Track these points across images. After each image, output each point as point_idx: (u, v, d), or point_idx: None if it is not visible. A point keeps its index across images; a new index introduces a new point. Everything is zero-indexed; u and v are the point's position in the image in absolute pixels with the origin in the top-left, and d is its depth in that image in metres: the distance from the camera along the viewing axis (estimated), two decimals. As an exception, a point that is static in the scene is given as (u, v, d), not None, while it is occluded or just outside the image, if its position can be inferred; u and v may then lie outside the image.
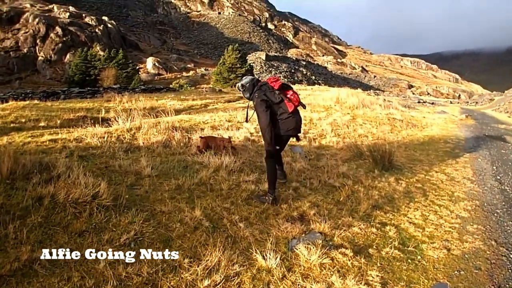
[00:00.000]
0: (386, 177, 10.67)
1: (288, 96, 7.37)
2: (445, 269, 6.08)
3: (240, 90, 7.91)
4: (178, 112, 21.43)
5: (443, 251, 6.63)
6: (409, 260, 6.16)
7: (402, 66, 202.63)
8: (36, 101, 25.22)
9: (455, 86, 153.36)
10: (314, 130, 16.22)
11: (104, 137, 10.93)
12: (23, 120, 17.50)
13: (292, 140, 8.90)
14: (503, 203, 9.57)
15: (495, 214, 8.74)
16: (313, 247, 5.73)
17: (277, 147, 7.73)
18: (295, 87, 44.19)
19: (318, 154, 12.42)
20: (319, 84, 77.53)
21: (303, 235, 6.41)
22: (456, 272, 6.04)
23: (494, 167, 13.22)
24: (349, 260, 5.79)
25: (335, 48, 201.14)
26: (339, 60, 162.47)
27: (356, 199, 8.64)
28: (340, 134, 16.03)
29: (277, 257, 5.36)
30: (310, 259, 5.54)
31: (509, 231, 7.85)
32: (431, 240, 7.07)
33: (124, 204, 6.42)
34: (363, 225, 7.21)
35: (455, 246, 6.91)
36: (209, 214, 6.70)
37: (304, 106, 8.26)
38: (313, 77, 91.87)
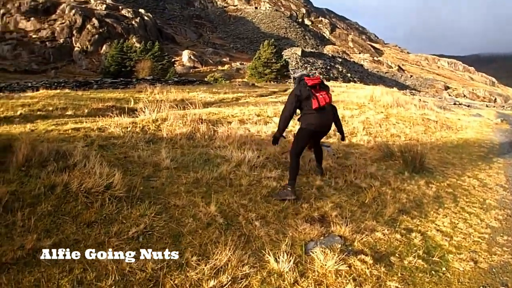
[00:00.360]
0: (416, 179, 10.23)
1: (317, 95, 7.61)
2: (470, 283, 5.66)
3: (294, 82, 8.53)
4: (208, 104, 21.24)
5: (469, 263, 6.19)
6: (432, 272, 5.74)
7: (439, 67, 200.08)
8: (67, 90, 25.46)
9: (491, 89, 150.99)
10: (345, 127, 15.46)
11: (128, 127, 10.72)
12: (50, 109, 17.51)
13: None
14: None
15: (528, 225, 8.25)
16: (331, 252, 5.37)
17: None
18: (330, 83, 43.58)
19: (346, 152, 12.03)
20: (355, 82, 76.91)
21: (322, 237, 6.04)
22: (481, 287, 5.64)
23: None
24: (368, 268, 5.40)
25: (371, 46, 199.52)
26: (375, 58, 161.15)
27: (382, 201, 8.24)
28: (371, 133, 15.65)
29: (290, 260, 5.02)
30: (325, 265, 5.17)
31: None
32: (458, 250, 6.63)
33: (138, 195, 6.19)
34: (387, 230, 6.81)
35: (483, 258, 6.46)
36: (225, 211, 6.39)
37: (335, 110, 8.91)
38: (349, 75, 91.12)
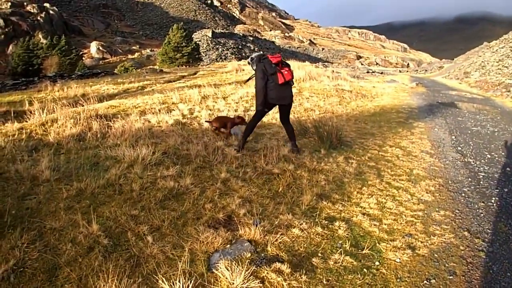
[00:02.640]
0: (334, 156, 9.32)
1: (282, 71, 8.49)
2: (411, 278, 4.72)
3: (249, 63, 9.26)
4: (111, 97, 19.88)
5: (406, 251, 5.28)
6: (364, 270, 4.77)
7: (350, 38, 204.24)
8: None
9: (403, 56, 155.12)
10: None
11: (14, 135, 9.57)
12: None
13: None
14: (469, 179, 8.45)
15: (463, 194, 7.56)
16: (238, 265, 4.31)
17: (265, 110, 9.04)
18: (242, 62, 42.88)
19: (257, 134, 10.96)
20: None
21: (228, 246, 5.01)
22: (425, 282, 4.67)
23: (453, 137, 12.25)
24: (286, 279, 4.37)
25: (282, 22, 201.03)
26: (286, 34, 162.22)
27: (298, 188, 7.29)
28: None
29: (188, 285, 4.02)
30: (233, 284, 4.12)
31: (482, 215, 6.69)
32: (391, 236, 5.75)
33: (9, 222, 5.24)
34: (306, 223, 5.83)
35: (421, 242, 5.59)
36: (110, 228, 5.40)
37: (292, 83, 9.06)
38: (261, 52, 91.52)
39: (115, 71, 54.11)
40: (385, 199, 7.07)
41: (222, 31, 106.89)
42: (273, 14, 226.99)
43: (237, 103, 15.07)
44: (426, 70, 70.46)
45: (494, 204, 7.11)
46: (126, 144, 8.67)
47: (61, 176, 7.04)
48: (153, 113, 12.57)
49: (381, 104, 18.63)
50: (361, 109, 16.86)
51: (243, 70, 29.67)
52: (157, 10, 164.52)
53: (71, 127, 10.00)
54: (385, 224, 6.05)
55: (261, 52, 9.60)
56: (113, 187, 6.62)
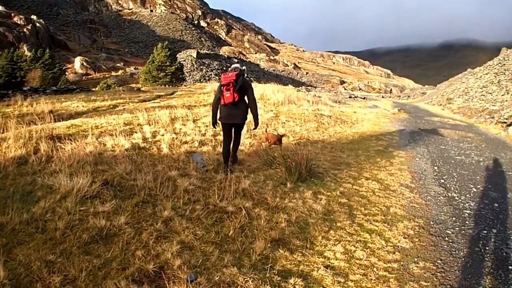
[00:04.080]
0: (301, 191, 8.25)
1: (224, 93, 8.68)
2: None
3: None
4: (79, 114, 18.79)
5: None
6: None
7: (334, 63, 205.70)
8: None
9: (386, 81, 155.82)
10: None
11: None
12: None
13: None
14: (453, 218, 7.46)
15: (446, 238, 6.53)
16: None
17: (223, 127, 9.29)
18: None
19: (221, 162, 9.79)
20: (251, 81, 76.38)
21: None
22: None
23: (436, 168, 11.35)
24: None
25: (268, 45, 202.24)
26: (271, 57, 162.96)
27: (252, 231, 6.21)
28: (256, 135, 13.53)
29: None
30: None
31: (468, 265, 5.64)
32: (358, 299, 4.62)
33: None
34: (253, 280, 4.70)
35: (395, 309, 4.48)
36: (20, 275, 4.44)
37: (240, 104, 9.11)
38: (245, 75, 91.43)
39: (95, 89, 53.88)
40: (354, 246, 6.00)
41: (207, 52, 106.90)
42: (259, 37, 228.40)
43: (207, 126, 13.98)
44: (408, 96, 70.65)
45: (482, 250, 6.10)
46: (66, 172, 7.62)
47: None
48: (112, 135, 11.41)
49: (360, 131, 17.67)
50: (339, 136, 15.89)
51: (222, 92, 28.09)
52: (144, 28, 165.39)
53: (16, 149, 9.04)
54: (351, 281, 4.98)
55: (238, 65, 9.37)
56: (36, 223, 5.64)
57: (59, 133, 11.03)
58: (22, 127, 10.61)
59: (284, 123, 16.51)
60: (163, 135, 11.97)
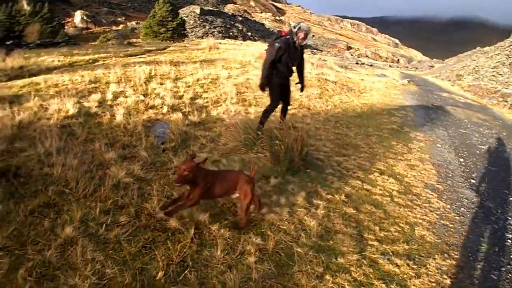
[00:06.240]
0: (290, 190, 5.72)
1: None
2: None
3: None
4: (50, 70, 15.95)
5: None
6: None
7: (341, 28, 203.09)
8: None
9: (394, 51, 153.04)
10: (212, 93, 11.19)
11: None
12: None
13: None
14: (496, 248, 5.28)
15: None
16: None
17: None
18: (224, 41, 39.89)
19: (189, 137, 7.41)
20: (255, 41, 74.50)
21: None
22: None
23: (461, 160, 9.14)
24: None
25: (274, 5, 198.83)
26: (277, 18, 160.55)
27: (198, 271, 3.86)
28: (246, 100, 11.05)
29: None
30: None
31: None
32: None
33: None
34: None
35: None
36: None
37: None
38: (249, 33, 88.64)
39: (95, 43, 52.04)
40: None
41: (211, 8, 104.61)
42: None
43: (188, 86, 11.45)
44: (416, 68, 68.15)
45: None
46: None
47: None
48: (64, 96, 8.98)
49: (370, 102, 14.92)
50: (345, 106, 13.11)
51: (218, 48, 25.48)
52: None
53: None
54: None
55: (305, 25, 8.28)
56: None
57: (4, 95, 9.26)
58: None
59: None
60: (127, 97, 9.62)
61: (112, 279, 3.52)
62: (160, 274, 3.67)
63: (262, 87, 7.84)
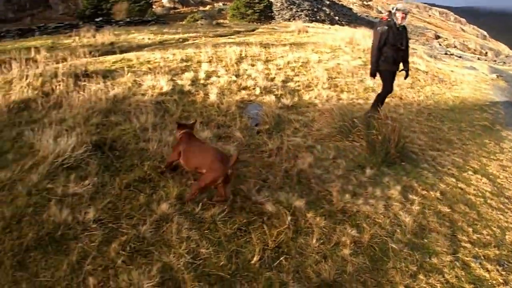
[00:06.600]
0: (386, 183, 5.59)
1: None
2: None
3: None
4: (140, 48, 16.24)
5: None
6: None
7: (429, 16, 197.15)
8: None
9: (482, 43, 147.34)
10: (303, 77, 11.00)
11: None
12: None
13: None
14: None
15: None
16: None
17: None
18: (312, 25, 39.21)
19: (282, 121, 7.36)
20: (342, 25, 73.49)
21: None
22: None
23: None
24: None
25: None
26: (365, 2, 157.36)
27: (293, 259, 3.84)
28: (338, 85, 10.78)
29: None
30: None
31: None
32: None
33: None
34: None
35: None
36: None
37: None
38: (337, 18, 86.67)
39: (182, 22, 52.33)
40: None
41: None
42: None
43: (279, 69, 11.28)
44: (504, 63, 64.85)
45: None
46: (67, 123, 5.91)
47: None
48: (157, 73, 9.11)
49: (461, 96, 14.26)
50: (437, 98, 12.70)
51: (307, 31, 25.21)
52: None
53: (23, 90, 7.20)
54: None
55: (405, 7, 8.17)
56: None
57: (98, 69, 9.07)
58: (58, 61, 9.02)
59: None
60: (220, 76, 9.53)
61: (207, 259, 3.55)
62: (256, 258, 3.69)
63: (372, 74, 8.01)
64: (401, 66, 8.16)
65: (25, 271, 3.24)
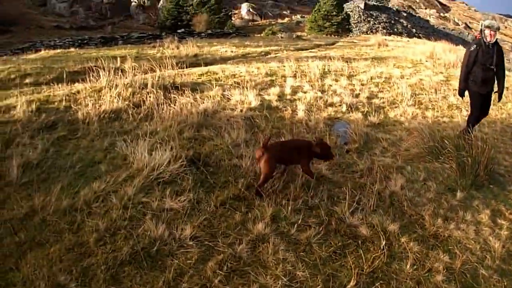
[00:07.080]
0: (475, 207, 5.49)
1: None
2: None
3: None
4: (224, 60, 16.91)
5: None
6: None
7: (506, 27, 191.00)
8: (72, 50, 21.08)
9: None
10: (387, 93, 10.85)
11: (54, 102, 7.46)
12: (13, 76, 12.36)
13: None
14: None
15: None
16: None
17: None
18: (390, 38, 38.59)
19: (370, 139, 7.31)
20: (420, 38, 72.12)
21: None
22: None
23: None
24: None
25: (438, 1, 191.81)
26: (442, 14, 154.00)
27: (387, 284, 3.92)
28: (422, 102, 10.55)
29: None
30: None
31: None
32: None
33: None
34: None
35: None
36: None
37: None
38: (414, 30, 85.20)
39: (260, 35, 52.70)
40: None
41: (375, 3, 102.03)
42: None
43: (363, 84, 11.22)
44: None
45: None
46: (159, 136, 6.16)
47: (37, 178, 4.88)
48: (243, 88, 9.24)
49: (545, 114, 13.62)
50: (523, 115, 12.15)
51: (387, 45, 25.11)
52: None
53: (113, 100, 7.53)
54: None
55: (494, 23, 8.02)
56: (74, 216, 4.19)
57: (185, 82, 9.32)
58: (146, 72, 9.37)
59: (456, 90, 13.02)
60: (306, 92, 9.58)
61: (303, 282, 3.65)
62: (352, 283, 3.71)
63: (459, 93, 7.85)
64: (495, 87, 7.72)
65: (118, 285, 3.43)
